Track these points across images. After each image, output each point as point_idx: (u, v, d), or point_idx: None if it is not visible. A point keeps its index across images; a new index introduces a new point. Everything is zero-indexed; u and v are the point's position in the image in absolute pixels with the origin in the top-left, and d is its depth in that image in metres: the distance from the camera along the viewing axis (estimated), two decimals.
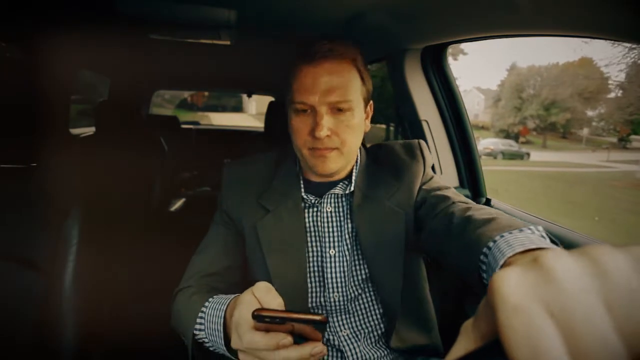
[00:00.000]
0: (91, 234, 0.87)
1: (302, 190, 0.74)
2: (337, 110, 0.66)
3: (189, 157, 3.02)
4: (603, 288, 0.18)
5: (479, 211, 0.59)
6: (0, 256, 0.80)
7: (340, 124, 0.66)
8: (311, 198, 0.74)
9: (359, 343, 0.73)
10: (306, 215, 0.75)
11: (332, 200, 0.75)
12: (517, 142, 19.09)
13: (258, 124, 4.84)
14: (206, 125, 3.96)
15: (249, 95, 3.16)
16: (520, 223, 0.50)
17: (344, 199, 0.75)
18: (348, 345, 0.73)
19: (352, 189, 0.74)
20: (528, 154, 16.62)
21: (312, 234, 0.74)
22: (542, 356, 0.18)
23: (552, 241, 0.47)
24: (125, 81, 2.36)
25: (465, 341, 0.23)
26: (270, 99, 2.65)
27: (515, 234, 0.45)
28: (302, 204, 0.75)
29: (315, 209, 0.75)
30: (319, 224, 0.74)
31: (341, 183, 0.75)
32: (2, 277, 0.80)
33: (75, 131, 2.20)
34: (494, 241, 0.46)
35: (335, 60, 0.66)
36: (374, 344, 0.75)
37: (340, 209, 0.75)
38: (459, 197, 0.70)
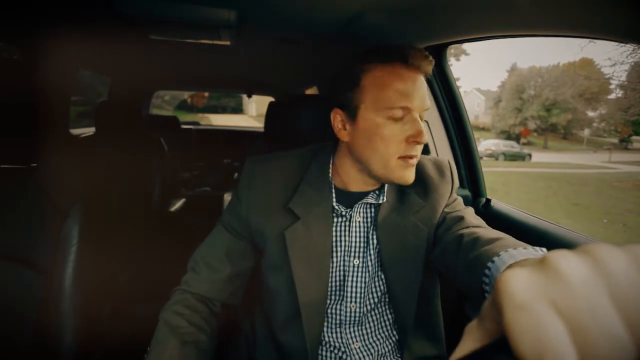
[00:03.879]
0: (91, 234, 0.87)
1: (334, 199, 0.72)
2: (420, 118, 0.65)
3: (189, 157, 3.02)
4: (608, 285, 0.19)
5: (488, 232, 0.60)
6: (0, 256, 0.80)
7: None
8: (341, 208, 0.72)
9: (370, 357, 0.73)
10: (334, 224, 0.73)
11: (362, 210, 0.73)
12: (518, 143, 19.09)
13: (258, 125, 4.83)
14: (206, 125, 3.97)
15: (249, 96, 3.16)
16: (525, 244, 0.52)
17: (373, 209, 0.74)
18: (360, 359, 0.72)
19: (384, 199, 0.72)
20: (530, 155, 16.59)
21: (339, 243, 0.73)
22: (549, 352, 0.18)
23: None
24: (125, 81, 2.37)
25: (470, 341, 0.24)
26: (270, 99, 2.65)
27: (519, 250, 0.47)
28: (332, 214, 0.73)
29: (343, 219, 0.73)
30: (347, 233, 0.73)
31: (372, 193, 0.73)
32: (2, 277, 0.80)
33: (74, 132, 2.20)
34: (498, 255, 0.47)
35: (424, 73, 0.65)
36: (384, 358, 0.75)
37: (369, 219, 0.74)
38: (475, 220, 0.70)
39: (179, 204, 2.06)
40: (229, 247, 0.74)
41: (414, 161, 0.65)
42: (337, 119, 0.70)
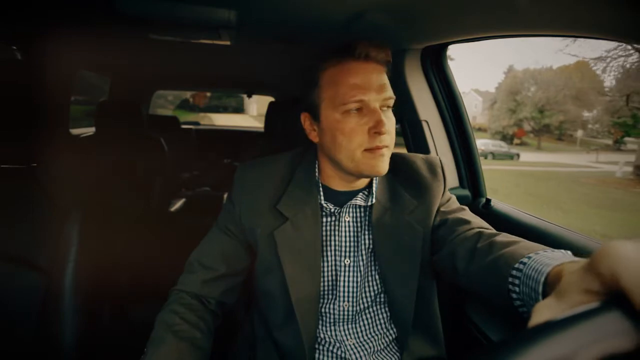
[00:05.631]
0: (91, 234, 0.87)
1: (322, 198, 0.73)
2: (386, 107, 0.66)
3: (189, 157, 3.01)
4: None
5: (502, 235, 0.60)
6: (0, 256, 0.80)
7: (389, 122, 0.66)
8: (330, 207, 0.72)
9: (364, 353, 0.73)
10: (324, 223, 0.73)
11: (352, 210, 0.74)
12: (512, 143, 19.40)
13: (259, 125, 4.83)
14: (206, 125, 3.96)
15: (249, 96, 3.16)
16: (545, 246, 0.51)
17: (362, 209, 0.74)
18: (354, 354, 0.73)
19: (374, 200, 0.72)
20: (518, 155, 17.13)
21: (329, 242, 0.73)
22: None
23: None
24: (125, 81, 2.36)
25: (544, 317, 0.27)
26: (270, 99, 2.66)
27: (550, 252, 0.47)
28: (321, 212, 0.73)
29: (333, 218, 0.73)
30: (337, 233, 0.73)
31: (361, 193, 0.73)
32: (2, 277, 0.80)
33: (82, 131, 2.19)
34: (529, 257, 0.47)
35: (378, 62, 0.67)
36: (379, 354, 0.75)
37: (359, 219, 0.74)
38: (475, 219, 0.70)
39: (179, 204, 2.06)
40: (224, 248, 0.75)
41: (384, 151, 0.65)
42: (306, 122, 0.73)
